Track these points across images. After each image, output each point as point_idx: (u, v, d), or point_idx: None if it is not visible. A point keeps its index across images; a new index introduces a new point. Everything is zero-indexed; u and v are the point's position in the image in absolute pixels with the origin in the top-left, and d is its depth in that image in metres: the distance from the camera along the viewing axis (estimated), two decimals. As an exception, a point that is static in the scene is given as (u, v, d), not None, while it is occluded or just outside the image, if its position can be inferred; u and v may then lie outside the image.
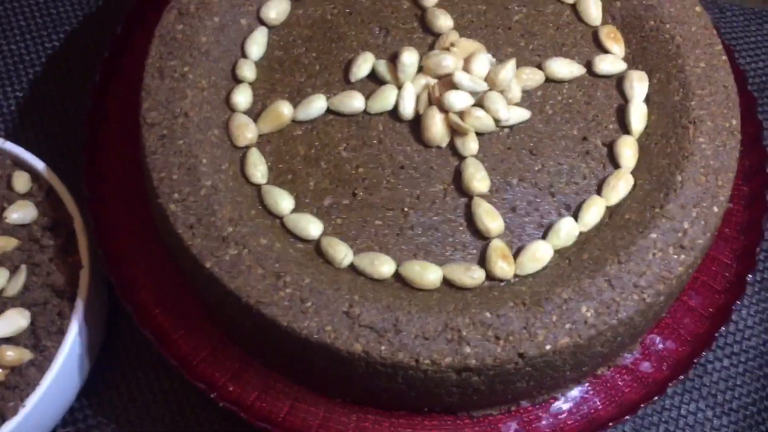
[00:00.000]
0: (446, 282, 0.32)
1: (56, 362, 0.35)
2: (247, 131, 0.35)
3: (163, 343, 0.34)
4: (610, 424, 0.32)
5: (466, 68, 0.35)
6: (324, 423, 0.33)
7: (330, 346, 0.29)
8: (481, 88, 0.34)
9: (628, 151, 0.34)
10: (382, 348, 0.29)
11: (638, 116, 0.35)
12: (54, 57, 0.49)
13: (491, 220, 0.32)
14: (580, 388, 0.34)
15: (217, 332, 0.35)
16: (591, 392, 0.34)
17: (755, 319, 0.43)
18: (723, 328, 0.34)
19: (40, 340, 0.36)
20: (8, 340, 0.35)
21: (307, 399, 0.34)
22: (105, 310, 0.40)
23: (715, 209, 0.32)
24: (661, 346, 0.35)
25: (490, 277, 0.32)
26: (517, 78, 0.36)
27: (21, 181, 0.39)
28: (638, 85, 0.36)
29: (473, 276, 0.31)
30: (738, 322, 0.43)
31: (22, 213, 0.38)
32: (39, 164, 0.39)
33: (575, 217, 0.33)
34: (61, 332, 0.36)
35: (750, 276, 0.35)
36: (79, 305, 0.36)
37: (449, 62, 0.35)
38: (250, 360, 0.34)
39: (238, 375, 0.34)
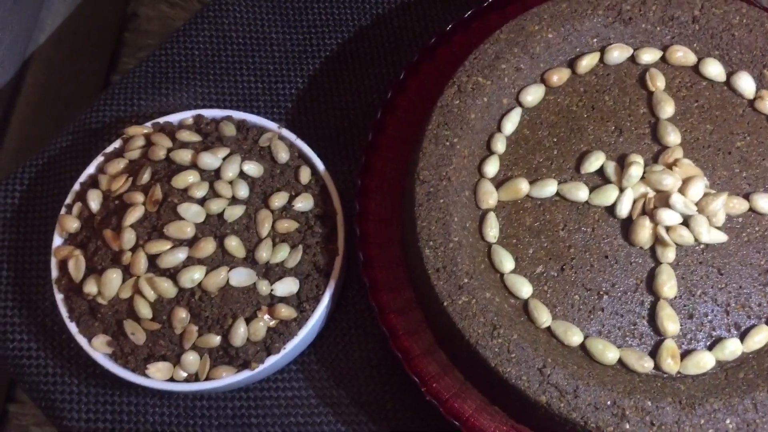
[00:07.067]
0: (620, 362, 0.38)
1: (310, 321, 0.43)
2: (490, 198, 0.41)
3: (391, 337, 0.42)
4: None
5: (682, 189, 0.39)
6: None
7: (522, 391, 0.37)
8: (692, 212, 0.39)
9: (805, 293, 0.38)
10: (561, 405, 0.36)
11: (824, 267, 0.38)
12: (333, 57, 0.54)
13: (671, 323, 0.38)
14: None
15: (429, 338, 0.42)
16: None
17: None
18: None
19: (302, 303, 0.43)
20: (282, 299, 0.43)
21: (487, 409, 0.40)
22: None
23: None
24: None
25: (657, 368, 0.38)
26: (724, 205, 0.40)
27: (305, 175, 0.46)
28: (832, 238, 0.39)
29: (644, 365, 0.38)
30: None
31: (304, 203, 0.45)
32: (319, 164, 0.46)
33: (741, 337, 0.38)
34: (317, 300, 0.43)
35: None
36: (332, 283, 0.44)
37: (669, 182, 0.39)
38: (452, 366, 0.41)
39: (439, 376, 0.41)
